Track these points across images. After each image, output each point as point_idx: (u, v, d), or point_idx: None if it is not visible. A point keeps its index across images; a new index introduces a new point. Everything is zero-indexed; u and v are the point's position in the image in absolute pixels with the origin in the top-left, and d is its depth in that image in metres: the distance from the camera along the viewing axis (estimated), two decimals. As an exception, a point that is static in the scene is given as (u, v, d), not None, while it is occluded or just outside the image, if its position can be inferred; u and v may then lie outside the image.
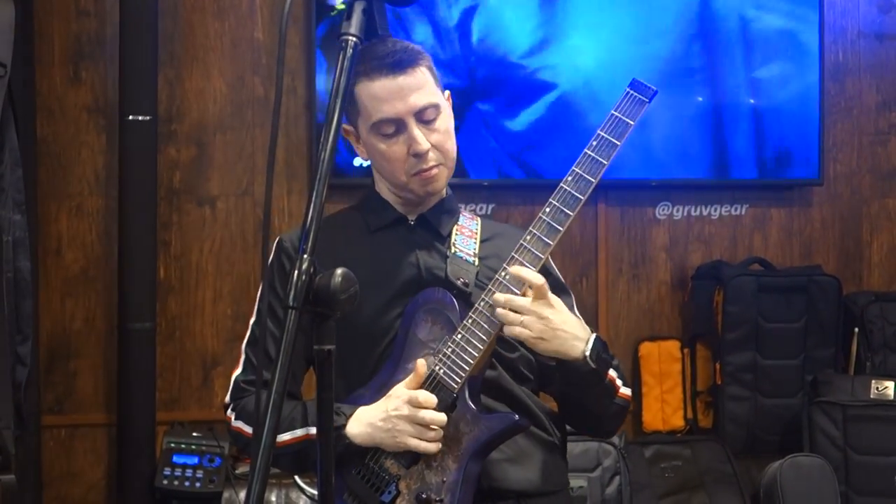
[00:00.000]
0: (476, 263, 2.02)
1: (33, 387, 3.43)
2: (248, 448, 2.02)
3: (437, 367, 1.88)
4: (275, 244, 2.08)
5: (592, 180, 1.88)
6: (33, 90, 3.66)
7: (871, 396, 3.68)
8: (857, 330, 3.90)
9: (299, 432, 1.93)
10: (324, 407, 1.26)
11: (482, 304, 1.88)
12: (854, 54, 4.13)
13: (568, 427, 2.13)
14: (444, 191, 2.09)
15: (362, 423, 1.90)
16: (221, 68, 3.82)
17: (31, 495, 3.60)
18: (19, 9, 3.08)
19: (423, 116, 1.96)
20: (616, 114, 1.90)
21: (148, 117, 3.56)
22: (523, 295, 1.87)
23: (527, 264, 1.88)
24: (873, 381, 3.71)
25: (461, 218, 2.10)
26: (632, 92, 1.90)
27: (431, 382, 1.88)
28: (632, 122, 1.89)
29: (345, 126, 2.03)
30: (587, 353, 1.87)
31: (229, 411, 2.05)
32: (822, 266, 4.03)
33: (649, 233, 4.05)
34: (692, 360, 3.99)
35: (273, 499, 3.36)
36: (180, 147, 3.80)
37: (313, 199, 1.30)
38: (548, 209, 1.90)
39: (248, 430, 2.00)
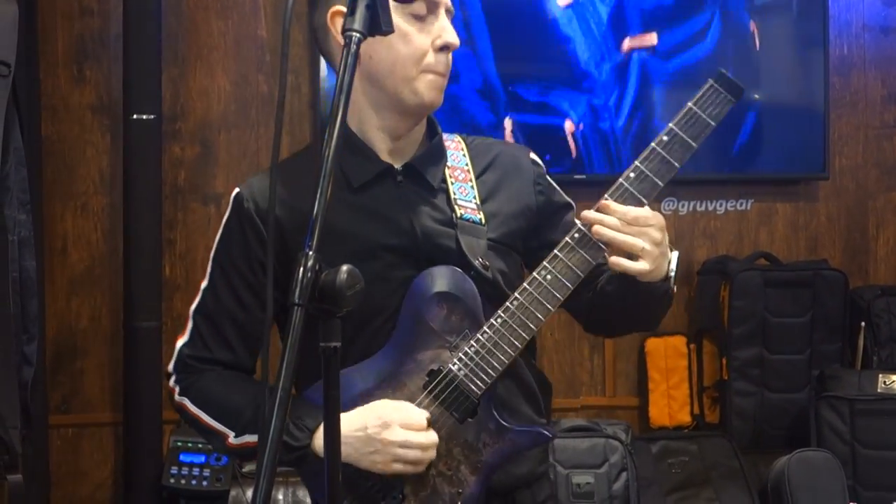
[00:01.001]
0: (483, 221, 1.82)
1: (40, 386, 3.43)
2: (195, 425, 1.82)
3: (457, 368, 1.73)
4: (231, 198, 1.83)
5: (660, 183, 1.73)
6: (37, 89, 3.66)
7: (879, 391, 3.68)
8: (863, 324, 3.89)
9: (237, 440, 1.79)
10: (330, 406, 1.26)
11: (516, 304, 1.72)
12: (859, 48, 4.12)
13: (596, 334, 2.07)
14: (424, 125, 1.88)
15: None
16: (225, 67, 3.82)
17: (39, 495, 3.60)
18: (23, 8, 3.08)
19: (449, 19, 1.80)
20: (694, 108, 1.71)
21: (152, 116, 3.56)
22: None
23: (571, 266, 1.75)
24: (880, 376, 3.71)
25: (448, 155, 1.88)
26: (716, 86, 1.70)
27: (448, 384, 1.73)
28: (713, 124, 1.70)
29: (338, 8, 1.78)
30: (671, 275, 1.75)
31: (173, 382, 1.84)
32: (828, 260, 4.03)
33: (655, 228, 4.03)
34: (698, 355, 3.98)
35: (280, 497, 3.36)
36: (185, 145, 3.81)
37: (318, 196, 1.29)
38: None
39: (196, 409, 1.80)
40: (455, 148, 1.90)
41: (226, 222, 1.84)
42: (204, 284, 1.86)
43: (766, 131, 3.98)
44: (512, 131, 3.60)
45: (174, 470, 3.46)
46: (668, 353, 3.97)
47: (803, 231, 4.12)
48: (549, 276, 1.73)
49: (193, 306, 1.85)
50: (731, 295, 3.84)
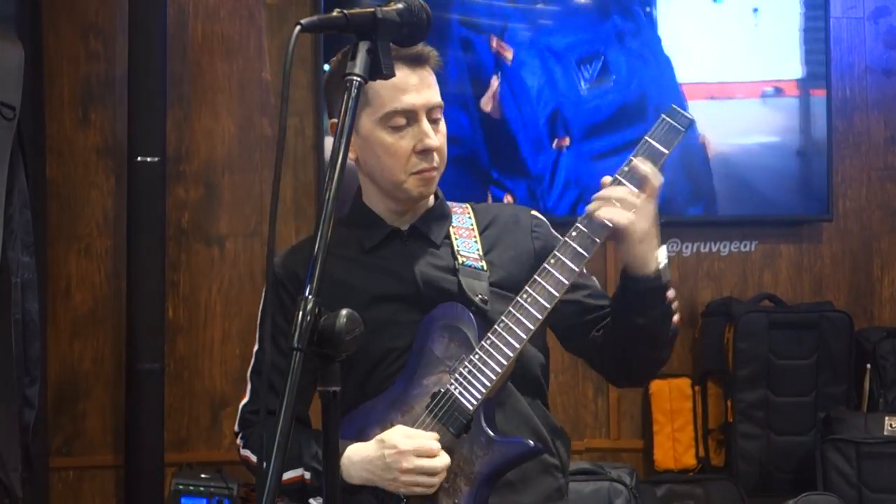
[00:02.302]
0: (484, 267, 1.99)
1: (41, 429, 3.42)
2: (255, 472, 2.03)
3: (453, 387, 1.87)
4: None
5: None
6: (43, 132, 3.68)
7: (885, 433, 3.65)
8: (869, 366, 3.87)
9: (296, 472, 1.94)
10: (329, 450, 1.25)
11: (502, 325, 1.86)
12: (861, 90, 4.14)
13: (613, 378, 2.14)
14: (432, 196, 2.06)
15: (356, 464, 1.88)
16: (230, 109, 3.84)
17: (39, 538, 3.58)
18: (29, 51, 3.11)
19: (432, 115, 1.95)
20: (650, 140, 1.87)
21: (156, 158, 3.57)
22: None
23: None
24: (887, 418, 3.68)
25: (454, 218, 2.07)
26: (667, 119, 1.87)
27: (446, 402, 1.86)
28: (666, 152, 1.86)
29: (332, 121, 1.96)
30: (661, 266, 1.88)
31: (238, 439, 2.07)
32: (832, 302, 4.01)
33: (658, 270, 4.03)
34: (703, 397, 3.96)
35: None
36: (189, 187, 3.81)
37: (318, 239, 1.29)
38: (574, 233, 1.89)
39: (254, 458, 2.02)
40: (462, 213, 2.08)
41: (265, 291, 2.09)
42: (255, 348, 2.09)
43: (770, 173, 3.98)
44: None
45: (175, 513, 3.44)
46: (672, 396, 3.95)
47: (808, 273, 4.11)
48: (529, 298, 1.87)
49: (249, 369, 2.09)
50: (736, 337, 3.82)
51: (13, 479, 2.86)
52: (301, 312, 1.26)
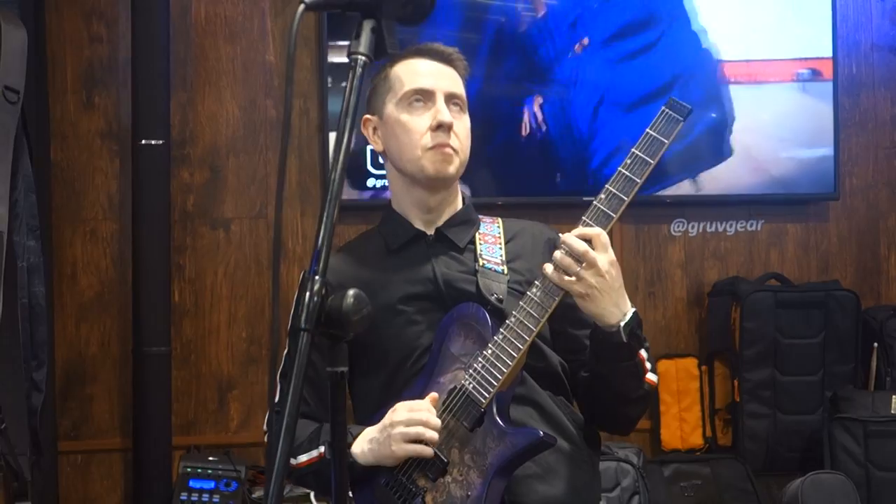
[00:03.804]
0: (505, 272, 2.06)
1: (49, 412, 3.42)
2: None
3: (467, 382, 1.91)
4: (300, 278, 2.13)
5: (625, 198, 1.92)
6: (47, 116, 3.67)
7: (892, 412, 3.65)
8: (876, 345, 3.86)
9: (314, 452, 1.99)
10: (337, 429, 1.25)
11: (513, 320, 1.91)
12: (868, 67, 4.12)
13: (591, 422, 2.14)
14: (459, 201, 2.14)
15: (364, 440, 1.95)
16: (234, 92, 3.82)
17: (48, 521, 3.59)
18: (31, 35, 3.10)
19: (451, 102, 2.06)
20: (651, 132, 1.93)
21: (161, 141, 3.56)
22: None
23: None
24: (894, 397, 3.68)
25: (482, 225, 2.14)
26: (667, 110, 1.94)
27: (460, 397, 1.91)
28: (666, 141, 1.92)
29: (365, 116, 2.12)
30: (622, 324, 1.90)
31: (266, 438, 2.10)
32: (839, 281, 4.00)
33: (664, 250, 4.03)
34: (710, 377, 3.96)
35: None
36: (194, 170, 3.81)
37: (324, 220, 1.28)
38: (580, 226, 1.94)
39: None
40: (491, 222, 2.17)
41: (295, 297, 2.04)
42: (285, 351, 2.05)
43: (775, 152, 3.96)
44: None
45: (184, 496, 3.44)
46: (679, 376, 3.95)
47: (814, 251, 4.10)
48: (538, 293, 1.92)
49: (279, 372, 2.08)
50: (742, 316, 3.82)
51: (22, 463, 2.87)
52: (308, 292, 1.25)
